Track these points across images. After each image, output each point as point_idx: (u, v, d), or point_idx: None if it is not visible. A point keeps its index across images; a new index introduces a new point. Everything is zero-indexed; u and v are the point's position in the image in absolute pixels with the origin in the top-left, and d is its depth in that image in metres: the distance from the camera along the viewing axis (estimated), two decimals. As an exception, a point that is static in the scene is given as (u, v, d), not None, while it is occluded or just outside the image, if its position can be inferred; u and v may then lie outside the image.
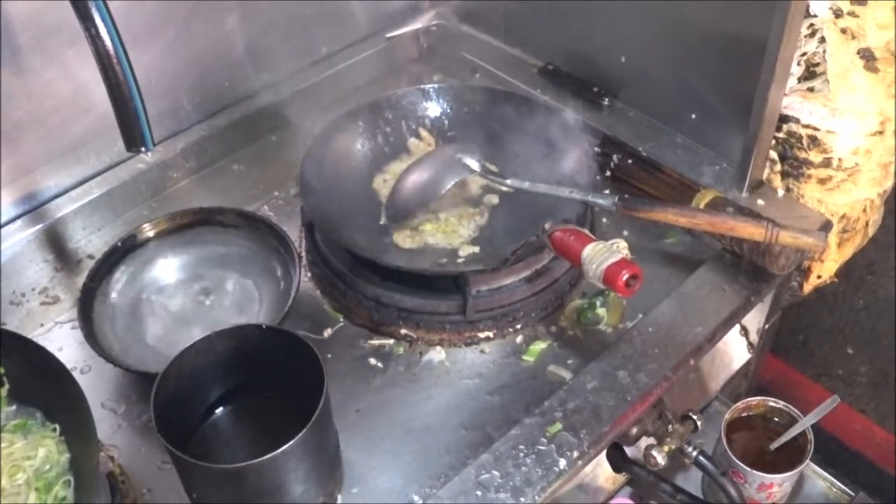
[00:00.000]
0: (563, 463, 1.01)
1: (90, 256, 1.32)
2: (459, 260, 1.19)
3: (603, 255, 1.02)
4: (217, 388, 1.04)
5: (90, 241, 1.34)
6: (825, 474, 1.32)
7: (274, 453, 0.88)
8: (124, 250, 1.20)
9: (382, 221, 1.25)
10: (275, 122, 1.48)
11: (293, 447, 0.89)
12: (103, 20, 0.92)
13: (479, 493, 0.99)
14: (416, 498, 1.03)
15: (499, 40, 1.54)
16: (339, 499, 1.03)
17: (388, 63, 1.60)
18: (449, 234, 1.23)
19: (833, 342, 2.10)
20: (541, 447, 1.02)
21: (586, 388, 1.08)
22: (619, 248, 1.02)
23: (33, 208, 1.31)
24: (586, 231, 1.07)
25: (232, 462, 0.89)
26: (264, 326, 0.99)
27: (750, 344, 1.39)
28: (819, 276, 1.41)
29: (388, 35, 1.57)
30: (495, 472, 1.00)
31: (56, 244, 1.31)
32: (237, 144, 1.45)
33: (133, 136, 0.98)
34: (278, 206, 1.37)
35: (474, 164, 1.22)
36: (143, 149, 0.99)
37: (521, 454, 1.02)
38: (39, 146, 1.28)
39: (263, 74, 1.48)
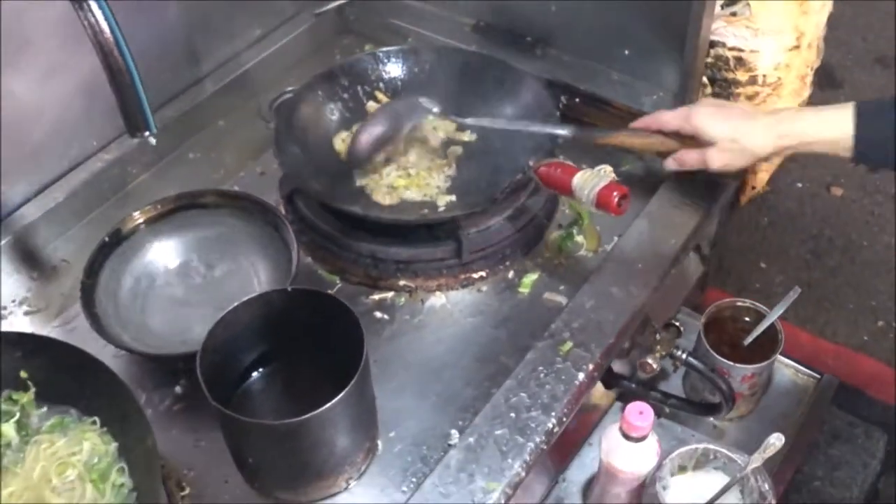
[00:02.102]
0: (581, 376, 1.09)
1: (64, 261, 1.31)
2: (440, 209, 1.25)
3: (593, 180, 1.10)
4: (247, 356, 1.07)
5: (59, 246, 1.32)
6: (790, 362, 1.44)
7: (330, 403, 0.92)
8: (112, 244, 1.21)
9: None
10: (221, 108, 1.50)
11: (345, 396, 0.94)
12: (101, 8, 0.93)
13: (512, 414, 1.05)
14: (452, 431, 1.09)
15: (426, 4, 1.59)
16: (380, 443, 1.08)
17: (319, 39, 1.63)
18: (423, 187, 1.28)
19: (746, 259, 2.26)
20: (558, 365, 1.10)
21: (585, 307, 1.16)
22: (606, 173, 1.11)
23: (-1, 220, 1.29)
24: (569, 162, 1.15)
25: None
26: (290, 289, 1.03)
27: (702, 256, 1.50)
28: (753, 188, 1.53)
29: (317, 11, 1.60)
30: (522, 394, 1.07)
31: (27, 253, 1.30)
32: (188, 133, 1.46)
33: (136, 121, 0.99)
34: (247, 186, 1.39)
35: (434, 106, 1.27)
36: (146, 133, 1.00)
37: (542, 374, 1.09)
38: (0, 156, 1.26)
39: (204, 63, 1.50)
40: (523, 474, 1.02)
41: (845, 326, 2.10)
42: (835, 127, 1.09)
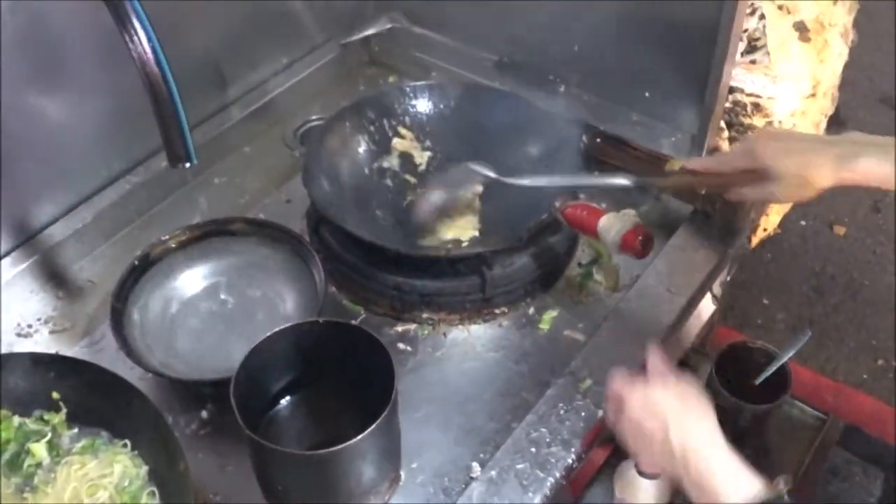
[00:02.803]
0: (600, 413, 1.12)
1: (90, 281, 1.34)
2: (464, 244, 1.28)
3: (618, 223, 1.13)
4: (277, 383, 1.09)
5: (84, 267, 1.35)
6: (797, 403, 1.47)
7: (357, 438, 0.94)
8: (142, 268, 1.23)
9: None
10: (247, 134, 1.53)
11: (374, 431, 0.95)
12: (149, 39, 0.95)
13: (533, 449, 1.08)
14: (473, 464, 1.11)
15: (451, 39, 1.62)
16: (403, 474, 1.10)
17: (345, 68, 1.66)
18: (453, 229, 1.32)
19: (749, 295, 2.29)
20: (578, 402, 1.12)
21: (604, 345, 1.19)
22: (631, 217, 1.14)
23: (27, 239, 1.31)
24: (594, 204, 1.18)
25: (297, 449, 0.95)
26: (321, 321, 1.05)
27: (714, 297, 1.53)
28: (765, 230, 1.57)
29: (343, 41, 1.63)
30: (543, 430, 1.10)
31: (54, 272, 1.32)
32: (214, 159, 1.49)
33: (178, 151, 1.01)
34: (271, 213, 1.41)
35: (488, 171, 1.31)
36: (187, 163, 1.02)
37: (563, 410, 1.11)
38: (29, 176, 1.29)
39: (231, 89, 1.52)
40: (543, 509, 1.04)
41: (846, 364, 2.13)
42: None
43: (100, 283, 1.33)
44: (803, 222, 2.41)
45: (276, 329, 1.03)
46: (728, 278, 1.53)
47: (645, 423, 1.00)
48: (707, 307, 1.54)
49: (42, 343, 1.26)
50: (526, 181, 1.28)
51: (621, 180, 1.22)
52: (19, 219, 1.30)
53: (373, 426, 0.95)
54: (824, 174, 1.07)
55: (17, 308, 1.28)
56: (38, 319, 1.29)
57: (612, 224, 1.14)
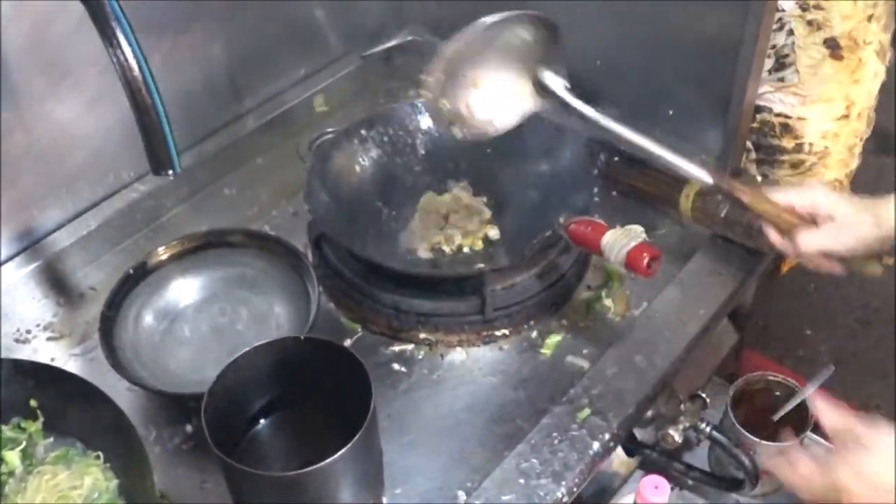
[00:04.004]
0: (596, 445, 1.06)
1: (92, 288, 1.32)
2: (465, 250, 1.25)
3: (623, 240, 1.07)
4: (257, 401, 1.06)
5: (88, 274, 1.34)
6: (822, 441, 1.38)
7: (332, 458, 0.91)
8: (137, 277, 1.21)
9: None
10: (261, 146, 1.51)
11: (348, 451, 0.92)
12: (130, 45, 0.93)
13: (521, 481, 1.03)
14: (459, 493, 1.06)
15: (473, 52, 1.59)
16: (385, 500, 1.06)
17: (365, 81, 1.63)
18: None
19: (791, 325, 2.20)
20: (573, 433, 1.07)
21: (607, 374, 1.13)
22: (637, 233, 1.08)
23: (31, 244, 1.30)
24: (599, 220, 1.12)
25: (279, 471, 0.92)
26: (303, 338, 1.02)
27: (737, 326, 1.46)
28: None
29: (364, 54, 1.60)
30: (534, 460, 1.04)
31: (56, 279, 1.31)
32: (226, 169, 1.47)
33: (160, 159, 0.99)
34: (278, 226, 1.39)
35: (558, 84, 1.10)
36: (170, 172, 1.00)
37: (556, 441, 1.06)
38: (35, 182, 1.28)
39: (246, 100, 1.50)
40: (528, 545, 0.99)
41: (890, 399, 2.03)
42: None
43: (102, 290, 1.30)
44: (850, 252, 2.31)
45: (255, 345, 1.00)
46: (750, 305, 1.46)
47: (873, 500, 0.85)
48: (729, 335, 1.47)
49: (40, 349, 1.25)
50: (590, 112, 1.13)
51: (699, 172, 1.08)
52: (24, 223, 1.29)
53: (343, 449, 0.91)
54: None
55: (17, 314, 1.27)
56: (38, 325, 1.28)
57: (616, 240, 1.08)
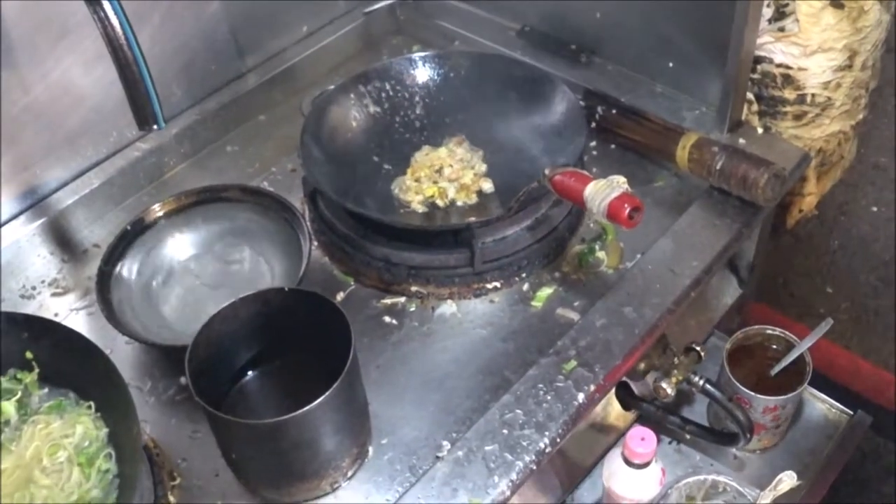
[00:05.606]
0: (581, 397, 1.06)
1: (95, 245, 1.35)
2: (458, 204, 1.25)
3: (605, 191, 1.06)
4: (244, 353, 1.08)
5: (93, 231, 1.36)
6: (823, 396, 1.38)
7: (309, 406, 0.92)
8: (134, 233, 1.23)
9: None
10: (263, 103, 1.52)
11: (327, 400, 0.93)
12: (111, 1, 0.94)
13: (504, 431, 1.03)
14: (444, 442, 1.07)
15: (475, 7, 1.57)
16: (371, 449, 1.07)
17: (367, 38, 1.63)
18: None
19: (812, 283, 2.16)
20: (559, 384, 1.07)
21: (596, 325, 1.13)
22: (619, 184, 1.07)
23: (35, 202, 1.32)
24: (584, 171, 1.12)
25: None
26: (286, 289, 1.03)
27: (741, 280, 1.45)
28: (801, 210, 1.47)
29: (366, 10, 1.60)
30: (518, 411, 1.05)
31: (60, 236, 1.34)
32: (228, 127, 1.48)
33: (145, 114, 1.01)
34: (277, 182, 1.40)
35: None
36: (154, 127, 1.01)
37: (541, 392, 1.06)
38: (37, 141, 1.30)
39: (248, 57, 1.51)
40: (508, 493, 1.00)
41: (911, 358, 2.00)
42: None
43: (105, 247, 1.33)
44: (874, 209, 2.26)
45: (240, 297, 1.02)
46: (754, 261, 1.44)
47: None
48: (731, 289, 1.46)
49: (44, 304, 1.28)
50: None
51: None
52: (28, 182, 1.31)
53: (321, 397, 0.92)
54: None
55: (23, 270, 1.30)
56: (42, 282, 1.31)
57: (598, 191, 1.07)
